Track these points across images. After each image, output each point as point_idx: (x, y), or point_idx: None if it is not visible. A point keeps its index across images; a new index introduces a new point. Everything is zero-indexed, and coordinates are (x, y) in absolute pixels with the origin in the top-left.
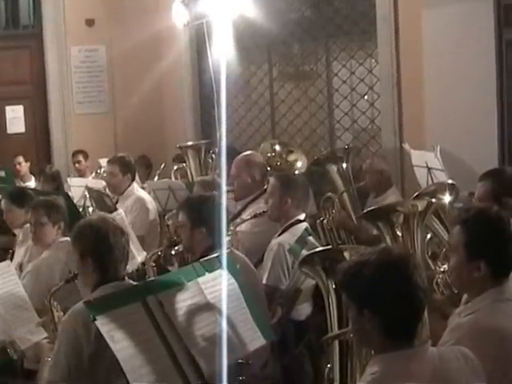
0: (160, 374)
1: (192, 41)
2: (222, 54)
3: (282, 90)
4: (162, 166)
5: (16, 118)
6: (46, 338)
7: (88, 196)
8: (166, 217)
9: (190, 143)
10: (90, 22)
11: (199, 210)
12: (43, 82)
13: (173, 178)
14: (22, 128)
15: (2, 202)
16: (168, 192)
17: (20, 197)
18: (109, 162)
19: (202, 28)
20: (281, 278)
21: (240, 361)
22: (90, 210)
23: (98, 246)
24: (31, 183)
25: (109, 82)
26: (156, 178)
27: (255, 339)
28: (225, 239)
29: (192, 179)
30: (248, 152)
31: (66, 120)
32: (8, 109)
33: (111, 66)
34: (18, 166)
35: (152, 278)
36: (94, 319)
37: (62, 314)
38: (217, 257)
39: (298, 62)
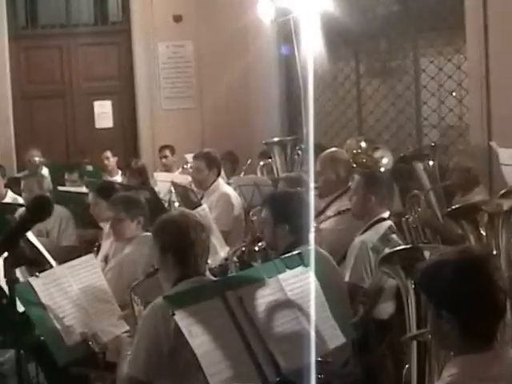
0: (237, 369)
1: (279, 36)
2: (309, 50)
3: (369, 86)
4: (249, 162)
5: (104, 113)
6: (127, 331)
7: (173, 191)
8: (250, 213)
9: (276, 139)
10: (177, 18)
11: (283, 207)
12: (131, 77)
13: (258, 174)
14: (110, 123)
15: (90, 195)
16: (253, 188)
17: (107, 191)
18: (195, 157)
19: (289, 24)
20: (363, 276)
21: (319, 359)
22: (176, 204)
23: (178, 241)
24: (118, 178)
25: (196, 78)
26: (242, 174)
27: (335, 337)
28: (309, 236)
29: (277, 175)
30: (333, 149)
31: (153, 115)
32: (96, 104)
33: (198, 62)
34: (106, 161)
35: (232, 274)
36: (173, 313)
37: (143, 308)
38: (298, 253)
39: (385, 57)
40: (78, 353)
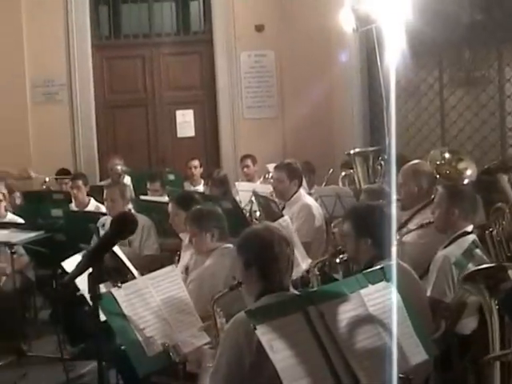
0: None
1: (361, 46)
2: (392, 60)
3: (453, 97)
4: (330, 172)
5: (186, 123)
6: (207, 343)
7: (255, 201)
8: (332, 224)
9: (358, 150)
10: (259, 28)
11: (365, 220)
12: (213, 86)
13: (340, 185)
14: (192, 132)
15: (170, 205)
16: (335, 199)
17: (187, 201)
18: (276, 168)
19: (372, 33)
20: (445, 291)
21: (401, 375)
22: (257, 214)
23: (262, 255)
24: (200, 187)
25: (278, 87)
26: (323, 184)
27: (417, 354)
28: (391, 250)
29: (359, 186)
30: (416, 161)
31: (235, 124)
32: (178, 113)
33: (280, 71)
34: (193, 170)
35: (314, 289)
36: (255, 328)
37: (225, 320)
38: (381, 268)
39: (469, 67)
40: (159, 364)
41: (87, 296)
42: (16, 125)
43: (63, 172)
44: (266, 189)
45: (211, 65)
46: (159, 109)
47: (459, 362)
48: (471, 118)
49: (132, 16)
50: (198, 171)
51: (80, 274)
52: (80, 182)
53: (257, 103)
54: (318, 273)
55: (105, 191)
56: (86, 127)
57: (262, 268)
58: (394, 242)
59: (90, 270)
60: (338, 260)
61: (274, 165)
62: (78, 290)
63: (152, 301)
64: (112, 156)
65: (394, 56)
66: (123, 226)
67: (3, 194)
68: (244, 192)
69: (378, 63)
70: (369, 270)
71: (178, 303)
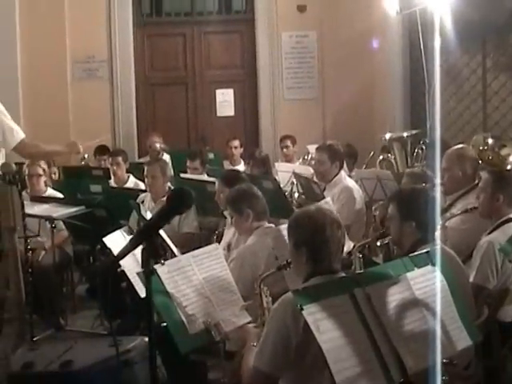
0: (363, 367)
1: (404, 29)
2: (436, 43)
3: (496, 82)
4: (371, 155)
5: (226, 102)
6: (249, 322)
7: (295, 182)
8: (373, 207)
9: (394, 135)
10: (301, 8)
11: (410, 204)
12: (254, 66)
13: (378, 168)
14: (232, 111)
15: (216, 183)
16: (375, 182)
17: (233, 179)
18: (317, 149)
19: (415, 16)
20: (488, 277)
21: (445, 360)
22: (296, 195)
23: (313, 237)
24: (240, 167)
25: (319, 69)
26: (364, 167)
27: (462, 339)
28: (435, 234)
29: (398, 170)
30: (460, 145)
31: (275, 105)
32: (218, 92)
33: (322, 53)
34: (233, 150)
35: (360, 271)
36: (301, 308)
37: (271, 299)
38: (427, 252)
39: None
40: (200, 341)
41: (128, 271)
42: (56, 101)
43: (102, 149)
44: (305, 170)
45: (252, 44)
46: (199, 87)
47: (499, 350)
48: None
49: None
50: (238, 151)
51: (134, 248)
52: (120, 159)
53: (297, 84)
54: (360, 256)
55: (145, 168)
56: (126, 104)
57: (313, 250)
58: (438, 227)
59: (143, 245)
60: (378, 243)
61: (314, 146)
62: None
63: (195, 278)
64: (151, 133)
65: (437, 40)
66: (181, 201)
67: (43, 169)
68: (283, 173)
69: (421, 47)
70: (414, 253)
71: (220, 282)
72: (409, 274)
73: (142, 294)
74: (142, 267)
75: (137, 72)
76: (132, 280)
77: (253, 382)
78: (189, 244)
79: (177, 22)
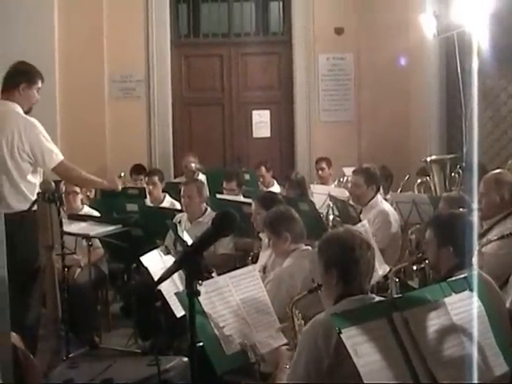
0: None
1: (441, 52)
2: (472, 66)
3: None
4: (406, 178)
5: (262, 123)
6: (285, 344)
7: (331, 205)
8: (409, 231)
9: (435, 157)
10: (339, 31)
11: (448, 228)
12: (290, 88)
13: (416, 192)
14: (268, 132)
15: (253, 204)
16: (411, 205)
17: (269, 201)
18: (354, 172)
19: (453, 39)
20: None
21: None
22: (331, 217)
23: (343, 258)
24: (273, 188)
25: (355, 91)
26: (399, 190)
27: (499, 365)
28: (472, 259)
29: (436, 194)
30: (498, 170)
31: (310, 126)
32: (255, 113)
33: (358, 75)
34: (260, 178)
35: (398, 295)
36: (340, 332)
37: (303, 322)
38: (465, 277)
39: None
40: (236, 362)
41: (165, 291)
42: (93, 120)
43: (138, 168)
44: (341, 192)
45: (289, 66)
46: (236, 108)
47: None
48: None
49: (211, 15)
50: (266, 177)
51: (177, 270)
52: (156, 178)
53: (333, 106)
54: (397, 280)
55: (182, 188)
56: (163, 124)
57: (343, 271)
58: (475, 252)
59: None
60: (414, 267)
61: (350, 168)
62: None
63: (232, 299)
64: (187, 153)
65: (475, 62)
66: (226, 224)
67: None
68: (319, 195)
69: (458, 69)
70: (451, 278)
71: (257, 303)
72: (447, 299)
73: (178, 313)
74: (186, 288)
75: (173, 92)
76: (169, 300)
77: None
78: (224, 265)
79: (214, 43)
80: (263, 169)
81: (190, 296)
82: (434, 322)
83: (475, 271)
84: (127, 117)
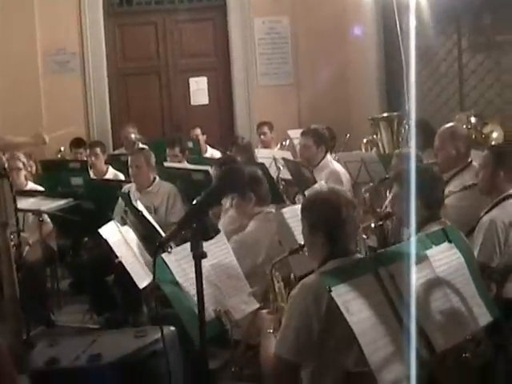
0: (394, 347)
1: (377, 11)
2: (412, 24)
3: (473, 61)
4: (347, 137)
5: (200, 90)
6: (258, 308)
7: (281, 168)
8: (363, 189)
9: (383, 115)
10: None
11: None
12: (227, 53)
13: (363, 150)
14: (206, 100)
15: (213, 168)
16: (360, 164)
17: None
18: (303, 133)
19: None
20: (492, 255)
21: (468, 337)
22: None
23: (329, 219)
24: (208, 154)
25: (292, 54)
26: (341, 150)
27: (483, 315)
28: (440, 212)
29: (384, 151)
30: (451, 124)
31: (249, 91)
32: (192, 80)
33: (295, 38)
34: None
35: (382, 250)
36: (330, 290)
37: (283, 284)
38: (442, 229)
39: (489, 32)
40: (213, 331)
41: (125, 262)
42: (28, 94)
43: (78, 142)
44: (286, 155)
45: (225, 31)
46: (172, 76)
47: (505, 326)
48: (492, 82)
49: None
50: (202, 139)
51: (180, 231)
52: (98, 150)
53: (272, 70)
54: (365, 237)
55: (129, 158)
56: (99, 95)
57: (330, 233)
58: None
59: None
60: (372, 224)
61: (295, 131)
62: (106, 258)
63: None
64: (125, 124)
65: (412, 21)
66: (234, 179)
67: (23, 163)
68: (264, 159)
69: (398, 28)
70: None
71: (226, 268)
72: (428, 252)
73: (141, 284)
74: (192, 250)
75: (109, 62)
76: (130, 271)
77: (275, 370)
78: None
79: (148, 11)
80: (198, 130)
81: (196, 259)
82: (418, 276)
83: (449, 223)
84: (63, 90)
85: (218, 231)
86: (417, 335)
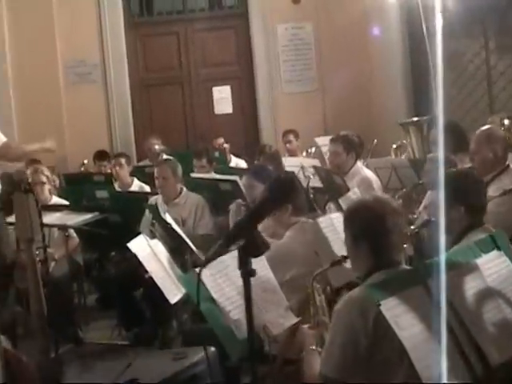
0: (447, 362)
1: (402, 15)
2: (438, 27)
3: (501, 63)
4: (374, 143)
5: (223, 99)
6: (296, 323)
7: (311, 176)
8: (396, 196)
9: (413, 119)
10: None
11: (457, 187)
12: (250, 61)
13: (393, 156)
14: (230, 108)
15: (244, 178)
16: (390, 170)
17: (262, 173)
18: (332, 140)
19: (415, 1)
20: None
21: None
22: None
23: (374, 228)
24: (233, 163)
25: (316, 60)
26: (369, 156)
27: None
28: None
29: (414, 156)
30: (487, 126)
31: (274, 99)
32: (215, 89)
33: (319, 43)
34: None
35: (430, 260)
36: (379, 304)
37: (324, 297)
38: (490, 236)
39: None
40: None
41: (156, 277)
42: (50, 107)
43: (101, 154)
44: (314, 163)
45: (247, 39)
46: (195, 86)
47: None
48: None
49: None
50: (227, 148)
51: (228, 246)
52: (123, 160)
53: (296, 77)
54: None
55: (155, 169)
56: (122, 107)
57: (374, 243)
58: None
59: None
60: (408, 232)
61: (322, 138)
62: (134, 272)
63: (237, 280)
64: (149, 136)
65: (439, 23)
66: (285, 190)
67: (47, 177)
68: (291, 167)
69: (424, 30)
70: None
71: (262, 282)
72: (478, 261)
73: (172, 299)
74: (240, 268)
75: (130, 73)
76: (160, 285)
77: None
78: (206, 246)
79: (169, 21)
80: (222, 139)
81: (244, 276)
82: (469, 286)
83: (497, 229)
84: (85, 102)
85: (268, 247)
86: (470, 349)
